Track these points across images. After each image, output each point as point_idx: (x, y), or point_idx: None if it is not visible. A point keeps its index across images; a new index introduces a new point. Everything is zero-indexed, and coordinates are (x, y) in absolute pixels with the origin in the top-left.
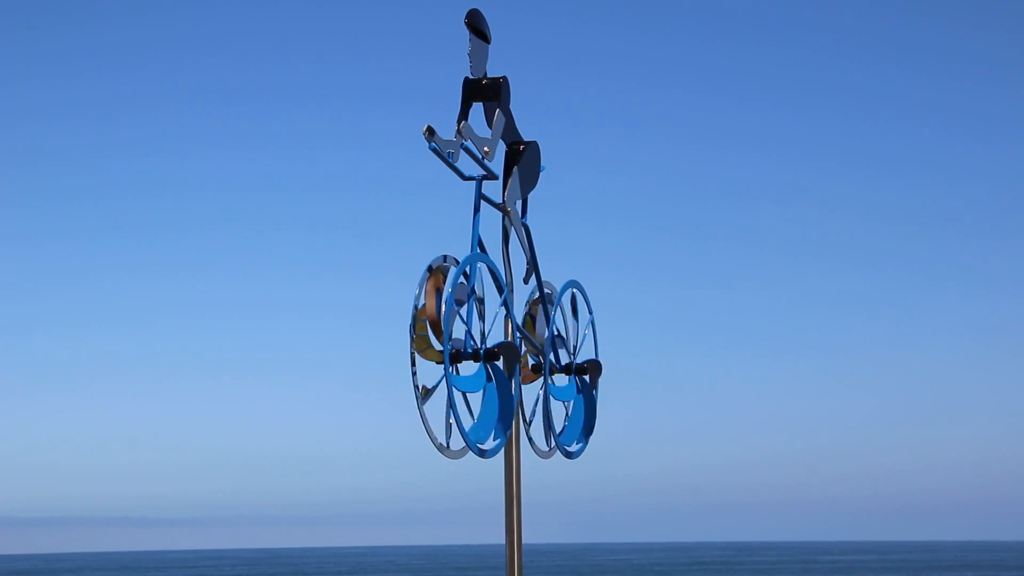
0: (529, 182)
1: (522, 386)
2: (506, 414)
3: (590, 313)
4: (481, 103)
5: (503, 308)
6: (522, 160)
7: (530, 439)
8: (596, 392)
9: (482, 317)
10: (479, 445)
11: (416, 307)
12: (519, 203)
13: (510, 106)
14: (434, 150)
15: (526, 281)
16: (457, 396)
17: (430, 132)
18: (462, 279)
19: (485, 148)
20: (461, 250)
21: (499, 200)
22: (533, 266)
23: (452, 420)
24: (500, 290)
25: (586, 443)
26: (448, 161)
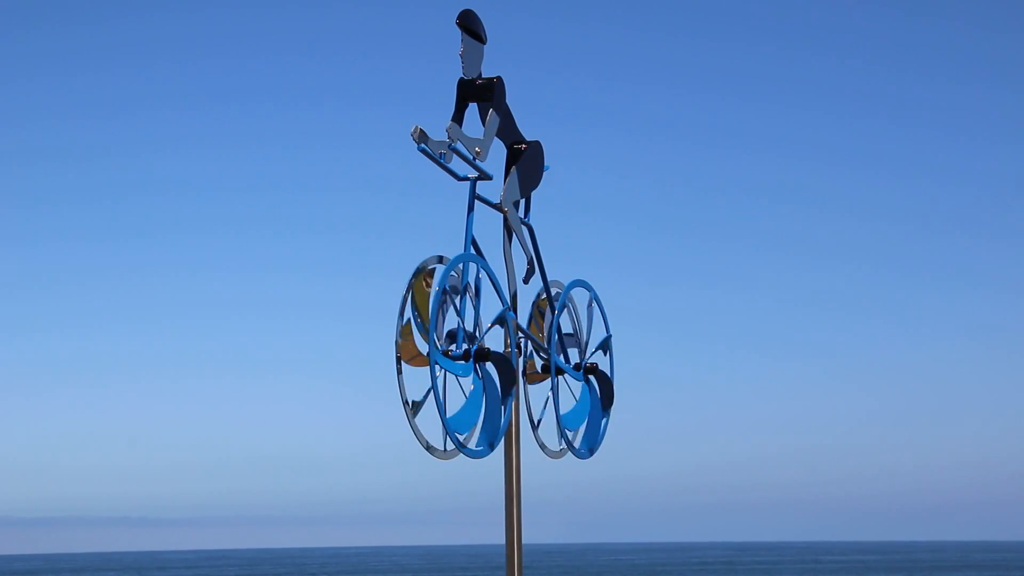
0: (530, 182)
1: (528, 387)
2: (492, 420)
3: (607, 332)
4: (476, 104)
5: (504, 308)
6: (521, 160)
7: (540, 443)
8: (610, 360)
9: (477, 316)
10: (457, 434)
11: (400, 317)
12: (522, 203)
13: (509, 106)
14: (424, 151)
15: (526, 281)
16: (441, 379)
17: (419, 133)
18: (454, 275)
19: (476, 149)
20: (458, 250)
21: (498, 201)
22: (533, 266)
23: (436, 406)
24: (497, 290)
25: (608, 418)
26: (440, 162)
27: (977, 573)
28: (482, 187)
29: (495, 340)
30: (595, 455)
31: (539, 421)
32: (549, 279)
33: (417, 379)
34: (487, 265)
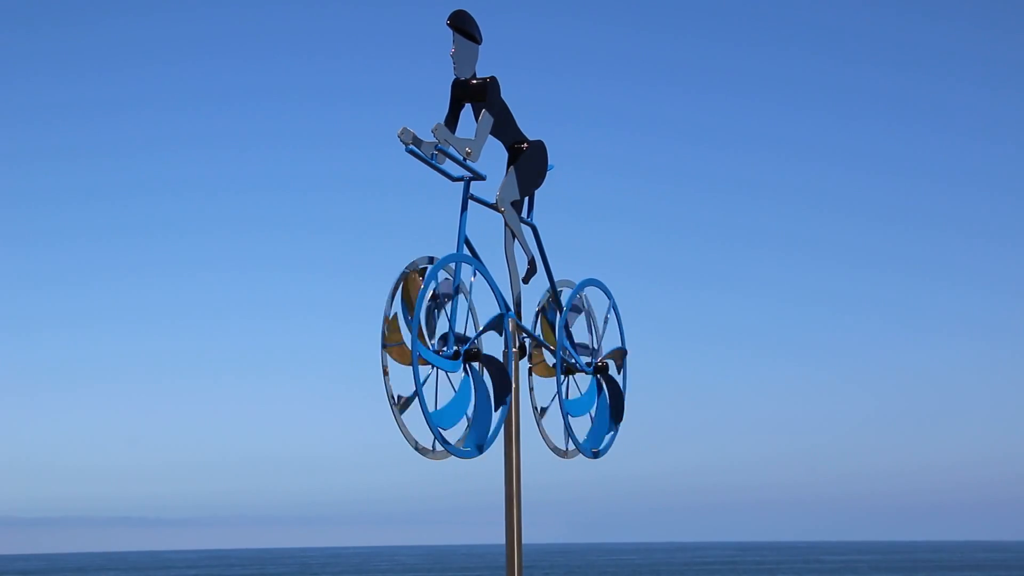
0: (530, 181)
1: (535, 378)
2: (481, 422)
3: (609, 298)
4: (471, 104)
5: (501, 310)
6: (520, 160)
7: (544, 434)
8: (623, 376)
9: (470, 318)
10: (440, 429)
11: (386, 316)
12: (525, 202)
13: (508, 106)
14: (412, 152)
15: (526, 281)
16: (429, 375)
17: (406, 134)
18: (447, 277)
19: (467, 149)
20: (453, 251)
21: (495, 201)
22: (534, 266)
23: (419, 401)
24: (493, 290)
25: (616, 431)
26: (431, 163)
27: (977, 573)
28: (482, 187)
29: (495, 344)
30: (599, 459)
31: (544, 410)
32: (558, 279)
33: (408, 377)
34: (481, 265)
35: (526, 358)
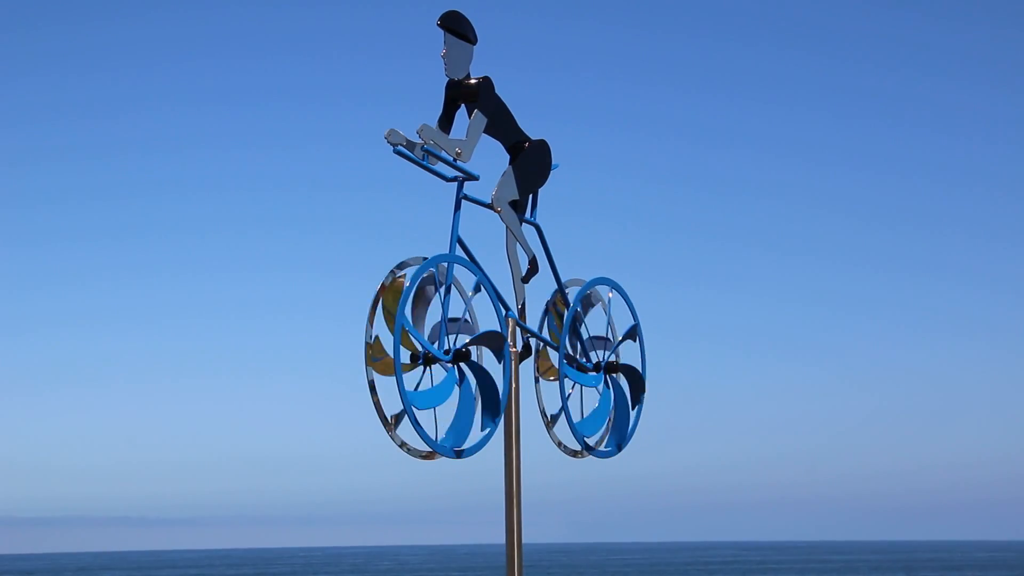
0: (531, 181)
1: (542, 383)
2: (491, 405)
3: (635, 320)
4: (466, 105)
5: (503, 307)
6: (518, 159)
7: (557, 441)
8: (638, 406)
9: (471, 315)
10: (455, 449)
11: (367, 342)
12: (529, 201)
13: (509, 106)
14: (401, 153)
15: (526, 280)
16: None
17: (393, 136)
18: (438, 278)
19: (457, 150)
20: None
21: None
22: (535, 266)
23: (424, 433)
24: (486, 289)
25: (617, 450)
26: (422, 164)
27: (977, 573)
28: (482, 188)
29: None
30: (624, 450)
31: (554, 418)
32: (567, 279)
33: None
34: (473, 265)
35: (533, 360)
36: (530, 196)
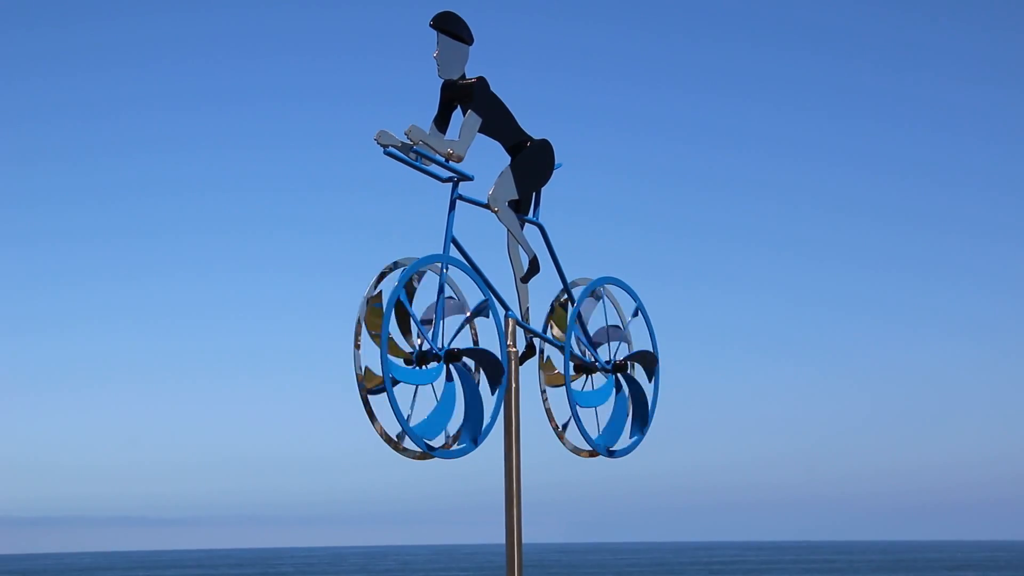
0: (531, 180)
1: (548, 389)
2: (473, 418)
3: (636, 301)
4: (462, 105)
5: (502, 307)
6: (517, 159)
7: (571, 447)
8: (654, 382)
9: (468, 316)
10: (425, 440)
11: (357, 366)
12: (532, 200)
13: (510, 106)
14: (391, 155)
15: (525, 280)
16: (400, 390)
17: (383, 137)
18: (442, 280)
19: (449, 150)
20: (452, 250)
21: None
22: (536, 265)
23: (403, 413)
24: (481, 289)
25: (641, 435)
26: (415, 165)
27: (977, 573)
28: (481, 188)
29: (490, 327)
30: (617, 460)
31: (565, 426)
32: (573, 279)
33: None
34: (466, 265)
35: (538, 361)
36: (533, 196)
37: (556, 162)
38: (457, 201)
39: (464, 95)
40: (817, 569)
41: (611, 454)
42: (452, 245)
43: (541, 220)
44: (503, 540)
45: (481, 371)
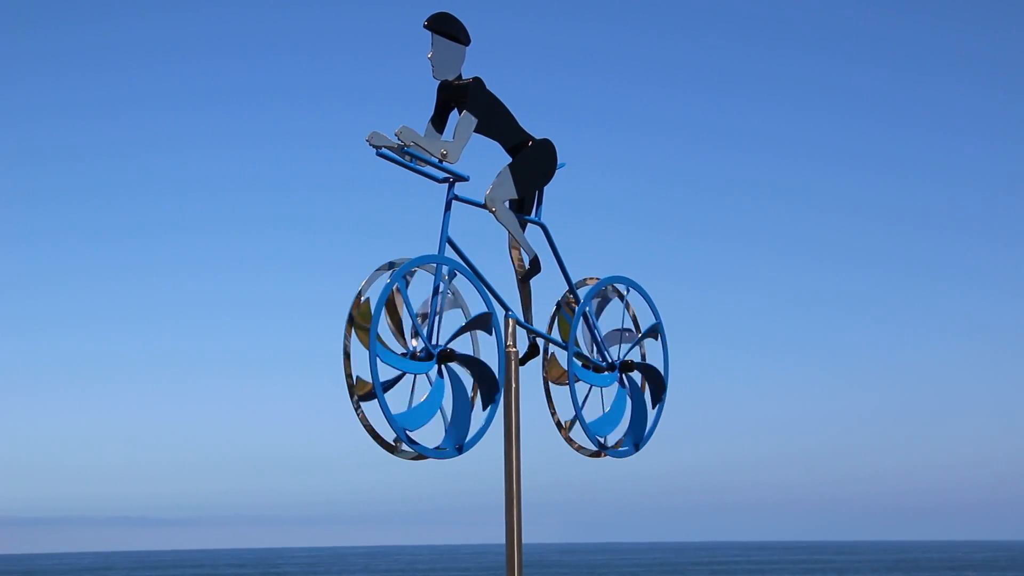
0: (531, 180)
1: (552, 387)
2: (460, 420)
3: (656, 319)
4: (458, 106)
5: (500, 308)
6: (516, 158)
7: (576, 446)
8: (659, 405)
9: (467, 323)
10: (407, 430)
11: (346, 354)
12: (534, 200)
13: (509, 107)
14: (384, 156)
15: (525, 280)
16: (387, 374)
17: (376, 138)
18: (437, 280)
19: (443, 151)
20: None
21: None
22: (537, 265)
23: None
24: (479, 289)
25: (635, 450)
26: (409, 166)
27: (977, 573)
28: (480, 188)
29: (491, 344)
30: (640, 450)
31: (569, 423)
32: (577, 279)
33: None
34: (463, 266)
35: (541, 365)
36: (535, 196)
37: (559, 162)
38: (453, 201)
39: (460, 96)
40: (817, 569)
41: (601, 447)
42: (448, 245)
43: (544, 220)
44: (503, 540)
45: (476, 385)
